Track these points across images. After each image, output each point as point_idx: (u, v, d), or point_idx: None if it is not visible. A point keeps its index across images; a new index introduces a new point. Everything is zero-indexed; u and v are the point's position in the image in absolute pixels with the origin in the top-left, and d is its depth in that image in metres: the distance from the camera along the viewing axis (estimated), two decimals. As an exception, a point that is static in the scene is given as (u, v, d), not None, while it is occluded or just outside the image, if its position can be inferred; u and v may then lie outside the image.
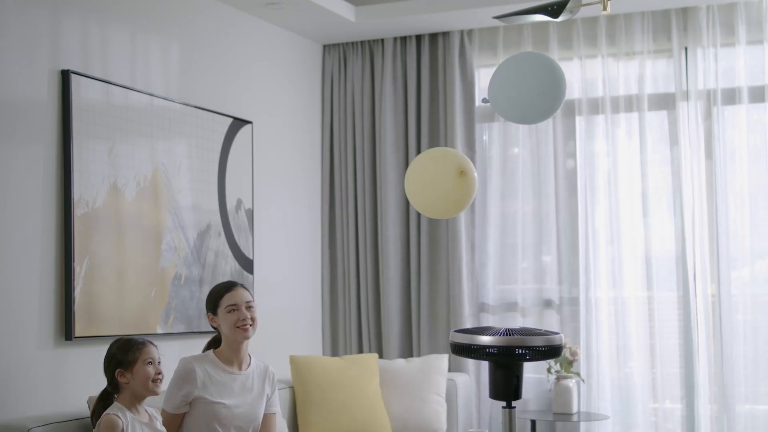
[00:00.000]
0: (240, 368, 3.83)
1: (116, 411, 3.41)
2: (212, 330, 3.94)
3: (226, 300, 3.80)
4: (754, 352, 5.24)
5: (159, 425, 3.54)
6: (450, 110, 5.78)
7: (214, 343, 3.91)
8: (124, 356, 3.45)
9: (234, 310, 3.78)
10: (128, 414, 3.42)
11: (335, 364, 5.05)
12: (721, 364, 5.27)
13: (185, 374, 3.74)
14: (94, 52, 4.31)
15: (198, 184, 4.90)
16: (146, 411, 3.53)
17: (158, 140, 4.63)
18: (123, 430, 3.36)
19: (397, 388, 5.15)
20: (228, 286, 3.86)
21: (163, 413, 3.71)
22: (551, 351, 2.79)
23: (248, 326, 3.78)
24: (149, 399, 3.53)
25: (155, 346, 3.54)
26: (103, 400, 3.48)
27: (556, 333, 2.83)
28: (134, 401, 3.46)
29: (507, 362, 2.80)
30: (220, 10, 5.17)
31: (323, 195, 6.01)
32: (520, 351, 2.74)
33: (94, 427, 3.44)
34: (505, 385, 2.83)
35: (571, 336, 5.56)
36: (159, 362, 3.51)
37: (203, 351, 3.93)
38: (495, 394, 2.87)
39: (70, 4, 4.19)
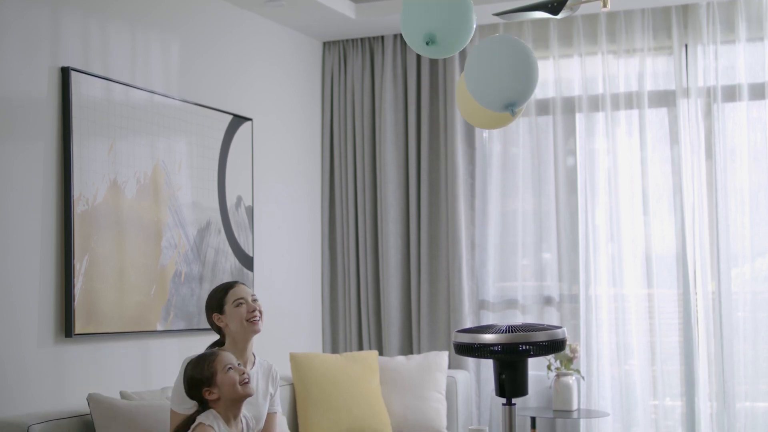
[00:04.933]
0: (245, 367, 3.80)
1: (211, 420, 3.29)
2: (211, 329, 3.88)
3: (232, 295, 3.75)
4: (754, 350, 5.24)
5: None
6: (450, 107, 5.77)
7: (216, 346, 3.88)
8: (202, 374, 3.34)
9: (242, 303, 3.74)
10: (222, 425, 3.32)
11: (335, 362, 5.04)
12: (722, 362, 5.27)
13: None
14: (94, 49, 4.31)
15: (198, 181, 4.89)
16: (242, 419, 3.42)
17: (158, 137, 4.63)
18: None
19: (397, 385, 5.15)
20: (230, 284, 3.83)
21: (173, 415, 3.64)
22: (554, 345, 2.78)
23: (257, 319, 3.74)
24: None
25: (226, 351, 3.47)
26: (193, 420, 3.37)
27: (559, 327, 2.82)
28: (229, 410, 3.34)
29: (511, 359, 2.79)
30: (220, 8, 5.16)
31: (323, 192, 6.01)
32: (524, 347, 2.73)
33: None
34: (511, 382, 2.82)
35: (571, 333, 5.55)
36: (239, 363, 3.41)
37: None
38: (500, 391, 2.86)
39: (71, 2, 4.18)
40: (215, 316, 3.78)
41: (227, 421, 3.35)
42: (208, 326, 3.91)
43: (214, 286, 4.07)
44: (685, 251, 5.38)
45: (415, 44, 3.29)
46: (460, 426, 5.26)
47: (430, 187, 5.84)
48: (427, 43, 3.22)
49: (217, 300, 3.77)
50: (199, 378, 3.34)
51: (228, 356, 3.40)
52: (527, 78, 3.27)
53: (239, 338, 3.74)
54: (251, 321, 3.73)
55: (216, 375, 3.32)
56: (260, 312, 3.78)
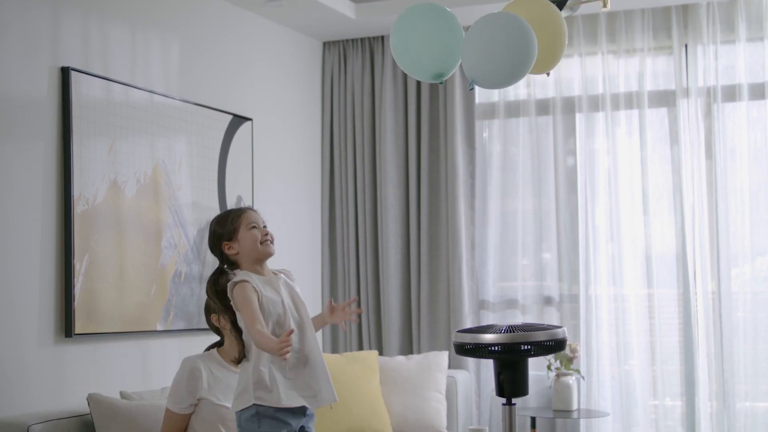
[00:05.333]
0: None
1: (242, 276, 3.27)
2: (210, 329, 3.79)
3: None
4: (754, 350, 5.24)
5: (285, 281, 3.40)
6: (450, 107, 5.77)
7: (216, 347, 3.83)
8: (224, 228, 3.35)
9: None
10: (253, 276, 3.30)
11: (335, 361, 5.04)
12: (722, 362, 5.27)
13: (190, 373, 3.66)
14: (94, 49, 4.31)
15: (198, 181, 4.89)
16: (274, 272, 3.39)
17: (158, 137, 4.63)
18: (255, 288, 3.23)
19: (397, 385, 5.15)
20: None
21: (168, 413, 3.63)
22: (555, 345, 2.78)
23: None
24: None
25: (255, 210, 3.44)
26: (217, 280, 3.37)
27: (559, 327, 2.82)
28: (252, 267, 3.35)
29: (511, 359, 2.79)
30: (221, 8, 5.16)
31: (323, 192, 6.01)
32: (525, 347, 2.74)
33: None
34: (511, 382, 2.83)
35: (571, 333, 5.55)
36: (264, 225, 3.40)
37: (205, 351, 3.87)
38: (500, 391, 2.86)
39: (71, 2, 4.18)
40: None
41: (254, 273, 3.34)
42: (208, 327, 3.80)
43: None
44: (685, 251, 5.38)
45: (419, 77, 3.38)
46: (460, 426, 5.26)
47: (430, 187, 5.84)
48: (440, 83, 3.33)
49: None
50: (221, 232, 3.35)
51: (254, 215, 3.39)
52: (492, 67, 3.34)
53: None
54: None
55: (238, 230, 3.34)
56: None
